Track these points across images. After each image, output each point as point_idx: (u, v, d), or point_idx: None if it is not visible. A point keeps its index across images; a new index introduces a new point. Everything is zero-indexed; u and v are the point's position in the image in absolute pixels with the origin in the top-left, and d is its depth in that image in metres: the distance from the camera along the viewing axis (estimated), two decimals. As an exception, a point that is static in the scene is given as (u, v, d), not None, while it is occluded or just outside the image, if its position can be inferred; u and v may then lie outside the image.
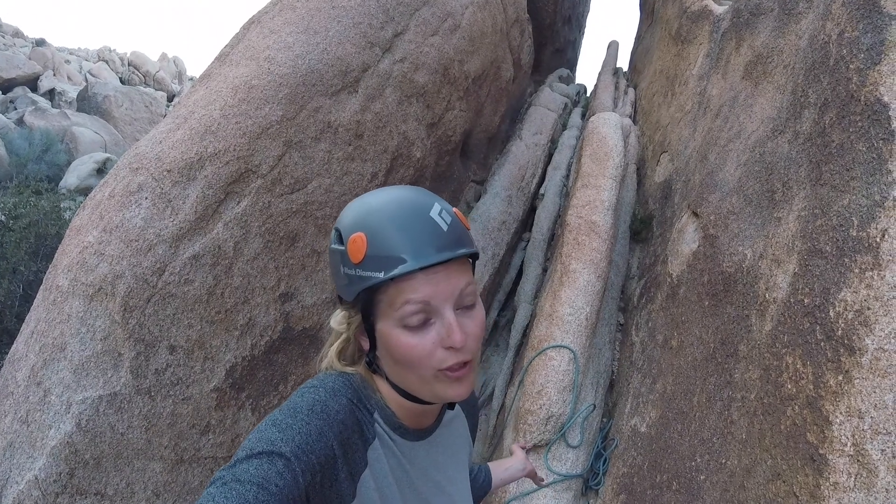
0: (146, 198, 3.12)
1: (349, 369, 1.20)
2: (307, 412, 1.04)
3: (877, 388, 1.94)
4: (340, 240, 1.11)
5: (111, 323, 2.91)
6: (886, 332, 1.97)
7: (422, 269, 1.04)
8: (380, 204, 1.11)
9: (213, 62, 4.07)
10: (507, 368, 5.32)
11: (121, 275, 2.94)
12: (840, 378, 2.06)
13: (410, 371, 1.09)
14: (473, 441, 1.52)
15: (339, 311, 1.23)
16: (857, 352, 2.02)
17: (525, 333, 5.52)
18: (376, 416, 1.16)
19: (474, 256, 1.16)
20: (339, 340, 1.21)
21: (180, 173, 3.19)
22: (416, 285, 1.04)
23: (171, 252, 3.07)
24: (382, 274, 1.03)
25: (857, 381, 1.99)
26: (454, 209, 1.14)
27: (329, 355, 1.22)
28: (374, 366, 1.18)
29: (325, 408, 1.06)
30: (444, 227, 1.09)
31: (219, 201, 3.28)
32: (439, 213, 1.09)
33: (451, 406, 1.29)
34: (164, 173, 3.17)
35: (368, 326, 1.12)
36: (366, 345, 1.16)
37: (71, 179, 16.28)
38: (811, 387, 2.19)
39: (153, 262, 3.01)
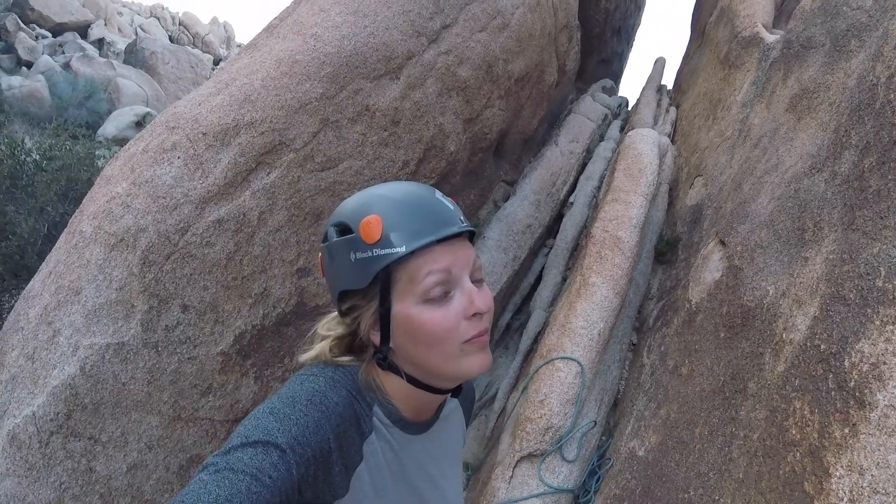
0: (179, 157, 3.16)
1: (343, 360, 1.18)
2: (306, 403, 1.03)
3: (882, 445, 1.90)
4: (346, 230, 1.11)
5: (128, 274, 2.96)
6: None
7: (439, 241, 1.06)
8: (383, 191, 1.12)
9: (261, 33, 4.10)
10: (513, 372, 5.31)
11: (144, 228, 2.99)
12: (846, 431, 2.02)
13: (435, 349, 1.08)
14: (467, 427, 1.51)
15: (329, 317, 1.24)
16: (868, 406, 1.97)
17: (536, 340, 5.50)
18: (375, 409, 1.15)
19: (473, 235, 1.18)
20: (333, 337, 1.19)
21: (215, 137, 3.23)
22: (436, 256, 1.06)
23: (197, 213, 3.11)
24: (404, 248, 1.04)
25: (864, 436, 1.95)
26: None
27: (320, 348, 1.19)
28: (385, 361, 1.15)
29: (325, 399, 1.06)
30: (450, 207, 1.12)
31: (249, 170, 3.31)
32: (441, 197, 1.13)
33: (455, 393, 1.27)
34: (200, 135, 3.21)
35: (384, 311, 1.10)
36: (377, 339, 1.14)
37: (109, 128, 16.47)
38: (816, 435, 2.14)
39: (177, 220, 3.05)
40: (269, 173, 3.39)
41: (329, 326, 1.21)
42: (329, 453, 1.02)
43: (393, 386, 1.17)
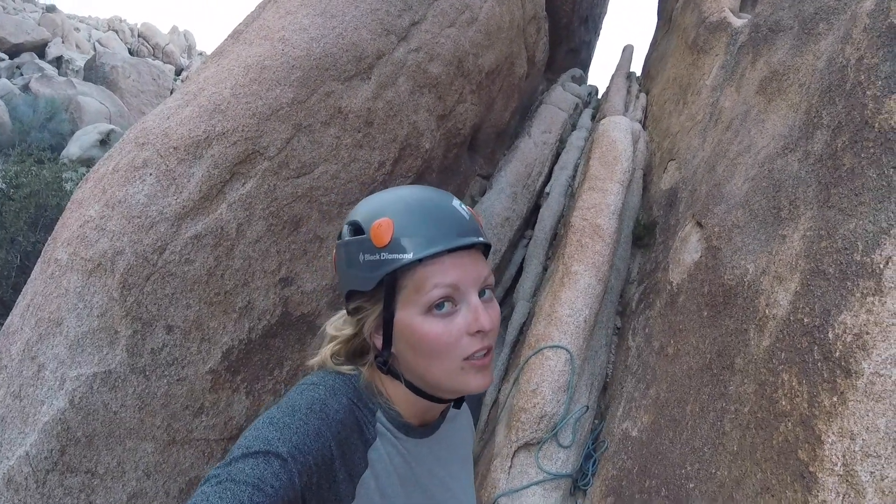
0: (150, 174, 3.08)
1: (344, 368, 1.17)
2: (306, 411, 1.02)
3: (870, 411, 1.97)
4: (358, 230, 1.09)
5: (109, 300, 2.88)
6: (884, 357, 2.00)
7: (449, 252, 1.04)
8: (401, 194, 1.10)
9: (227, 39, 4.02)
10: (501, 364, 5.31)
11: (121, 251, 2.91)
12: (835, 399, 2.09)
13: (435, 362, 1.06)
14: (476, 426, 1.50)
15: (338, 315, 1.22)
16: (854, 374, 2.05)
17: (521, 331, 5.51)
18: (378, 415, 1.14)
19: (488, 248, 1.17)
20: (338, 339, 1.18)
21: (186, 151, 3.15)
22: (444, 269, 1.04)
23: (173, 231, 3.04)
24: (412, 255, 1.02)
25: (852, 403, 2.02)
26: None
27: (322, 354, 1.19)
28: (386, 365, 1.14)
29: (325, 407, 1.05)
30: (466, 217, 1.10)
31: (224, 182, 3.24)
32: (459, 205, 1.11)
33: (457, 404, 1.26)
34: (170, 150, 3.13)
35: (388, 316, 1.09)
36: (379, 342, 1.12)
37: (73, 149, 16.19)
38: (805, 405, 2.21)
39: (154, 239, 2.98)
40: (244, 184, 3.32)
41: (337, 326, 1.20)
42: (331, 461, 1.01)
43: (395, 391, 1.16)
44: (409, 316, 1.06)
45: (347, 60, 3.96)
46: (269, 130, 3.44)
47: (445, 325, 1.04)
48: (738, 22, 5.54)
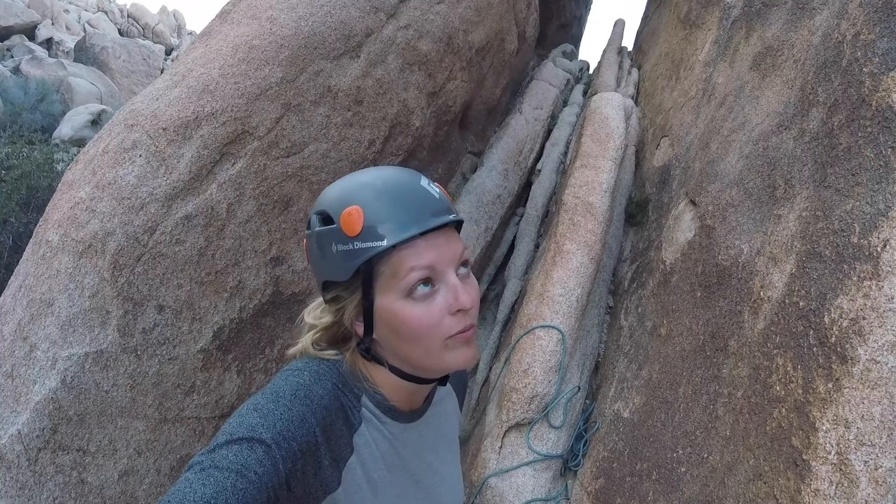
0: (140, 155, 3.08)
1: (327, 353, 1.16)
2: (290, 397, 1.01)
3: (865, 399, 1.95)
4: (328, 220, 1.08)
5: (100, 280, 2.89)
6: (880, 343, 1.96)
7: (423, 234, 1.03)
8: (367, 179, 1.09)
9: (214, 19, 3.99)
10: (492, 343, 5.33)
11: (111, 232, 2.91)
12: (830, 385, 2.06)
13: (417, 344, 1.06)
14: (461, 408, 1.50)
15: (316, 303, 1.21)
16: (850, 361, 2.01)
17: (513, 309, 5.52)
18: (364, 400, 1.13)
19: (461, 224, 1.16)
20: (318, 328, 1.17)
21: (176, 132, 3.15)
22: (419, 251, 1.03)
23: (164, 211, 3.04)
24: (385, 241, 1.01)
25: (847, 390, 1.99)
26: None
27: (303, 342, 1.17)
28: (368, 352, 1.14)
29: (309, 392, 1.04)
30: (436, 195, 1.09)
31: (214, 162, 3.24)
32: (428, 184, 1.09)
33: (442, 382, 1.25)
34: (160, 131, 3.13)
35: (367, 304, 1.08)
36: (360, 329, 1.12)
37: (65, 130, 16.11)
38: (800, 391, 2.18)
39: (145, 220, 2.98)
40: (234, 164, 3.32)
41: (315, 315, 1.18)
42: (316, 447, 1.00)
43: (379, 376, 1.15)
44: (389, 302, 1.06)
45: (336, 39, 3.94)
46: (259, 110, 3.44)
47: (426, 308, 1.04)
48: (731, -5, 5.49)
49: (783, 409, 2.25)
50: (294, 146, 3.64)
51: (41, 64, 21.16)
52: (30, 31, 27.33)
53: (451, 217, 1.08)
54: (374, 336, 1.11)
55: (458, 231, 1.15)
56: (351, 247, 1.03)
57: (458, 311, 1.06)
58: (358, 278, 1.07)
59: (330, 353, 1.16)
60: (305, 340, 1.17)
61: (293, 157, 3.64)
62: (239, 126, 3.33)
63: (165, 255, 3.03)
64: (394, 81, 4.51)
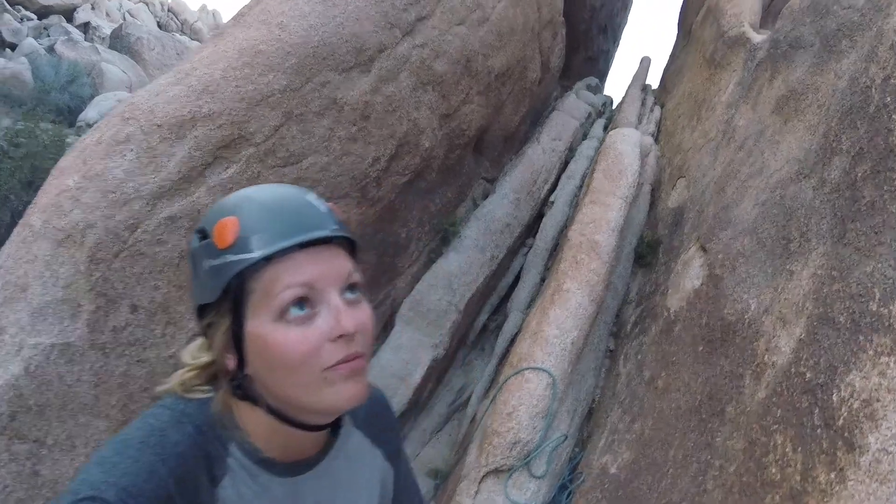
0: (131, 150, 3.04)
1: (196, 393, 1.00)
2: (138, 445, 0.90)
3: (872, 495, 1.73)
4: (203, 235, 0.94)
5: (75, 272, 2.84)
6: (894, 431, 1.76)
7: (302, 247, 0.90)
8: (249, 193, 0.96)
9: (229, 21, 3.97)
10: (487, 376, 5.23)
11: (92, 224, 2.87)
12: (832, 476, 1.86)
13: (293, 377, 0.91)
14: (398, 462, 1.30)
15: (197, 341, 1.04)
16: (858, 449, 1.81)
17: (512, 343, 5.40)
18: (232, 448, 0.98)
19: (355, 247, 1.01)
20: (192, 366, 1.01)
21: (170, 130, 3.11)
22: (297, 266, 0.90)
23: (148, 209, 3.00)
24: (258, 253, 0.88)
25: (852, 483, 1.79)
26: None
27: (171, 380, 1.02)
28: (241, 389, 0.98)
29: (163, 439, 0.92)
30: (322, 210, 0.95)
31: (205, 164, 3.20)
32: (316, 199, 0.96)
33: (334, 430, 1.09)
34: (154, 127, 3.09)
35: (236, 328, 0.93)
36: (232, 363, 0.96)
37: (91, 113, 16.28)
38: (798, 477, 2.00)
39: (127, 216, 2.94)
40: (226, 168, 3.28)
41: (194, 354, 1.02)
42: (170, 500, 0.88)
43: (253, 419, 0.99)
44: (259, 325, 0.90)
45: (347, 51, 3.90)
46: (258, 116, 3.39)
47: (302, 332, 0.89)
48: (757, 37, 5.40)
49: (777, 497, 2.06)
50: (292, 156, 3.59)
51: (76, 46, 21.43)
52: (69, 13, 27.76)
53: (334, 230, 0.94)
54: (248, 371, 0.95)
55: (354, 255, 1.01)
56: (221, 261, 0.90)
57: (340, 336, 0.90)
58: (228, 298, 0.93)
59: (199, 393, 1.00)
60: (175, 377, 1.02)
61: (290, 168, 3.59)
62: (235, 130, 3.29)
63: (145, 254, 2.98)
64: (405, 99, 4.46)
